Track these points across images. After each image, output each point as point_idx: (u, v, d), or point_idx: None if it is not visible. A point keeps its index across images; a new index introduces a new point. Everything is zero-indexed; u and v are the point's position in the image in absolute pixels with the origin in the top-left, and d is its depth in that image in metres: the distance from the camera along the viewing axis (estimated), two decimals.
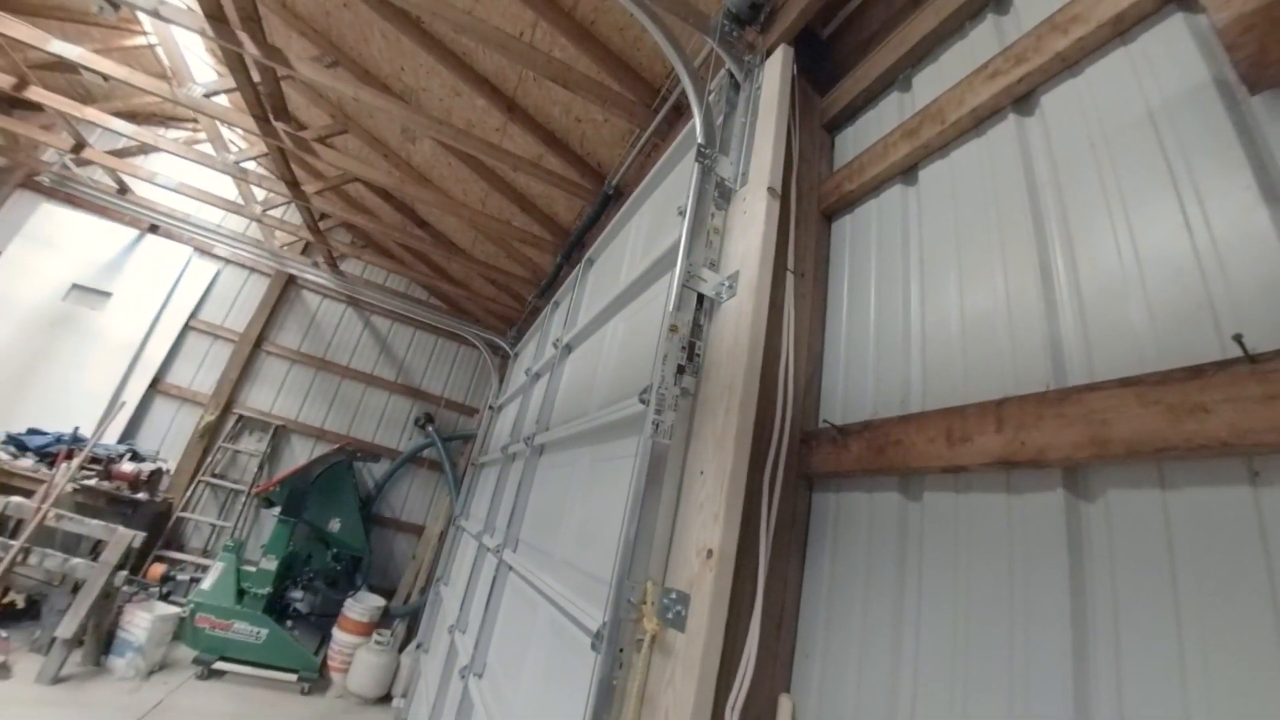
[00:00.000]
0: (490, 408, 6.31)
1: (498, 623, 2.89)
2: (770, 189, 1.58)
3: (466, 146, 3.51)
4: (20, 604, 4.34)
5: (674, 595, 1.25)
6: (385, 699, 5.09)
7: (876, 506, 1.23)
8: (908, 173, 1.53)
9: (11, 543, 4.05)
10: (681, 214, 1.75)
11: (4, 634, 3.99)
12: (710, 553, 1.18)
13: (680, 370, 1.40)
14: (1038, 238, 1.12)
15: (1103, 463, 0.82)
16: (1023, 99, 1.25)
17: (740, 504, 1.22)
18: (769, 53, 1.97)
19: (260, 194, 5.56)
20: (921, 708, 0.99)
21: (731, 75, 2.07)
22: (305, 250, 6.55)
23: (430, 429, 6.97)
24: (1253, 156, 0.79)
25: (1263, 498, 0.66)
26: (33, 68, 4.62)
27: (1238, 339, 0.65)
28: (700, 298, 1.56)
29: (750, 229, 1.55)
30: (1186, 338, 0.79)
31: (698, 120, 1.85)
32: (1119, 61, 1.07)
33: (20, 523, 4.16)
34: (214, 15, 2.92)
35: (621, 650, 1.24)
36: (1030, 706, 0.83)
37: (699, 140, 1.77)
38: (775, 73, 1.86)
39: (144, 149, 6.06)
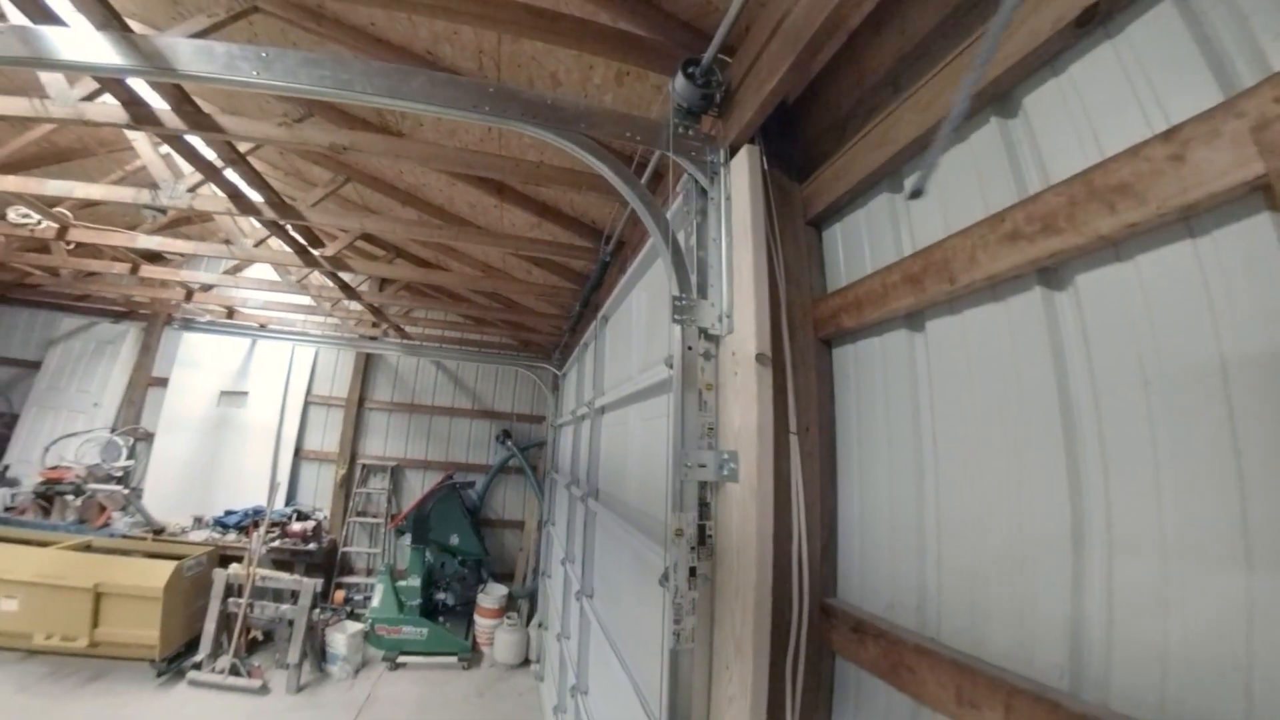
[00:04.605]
0: (551, 426, 6.47)
1: (590, 658, 3.07)
2: (759, 356, 1.32)
3: (472, 240, 3.34)
4: (261, 637, 5.25)
5: None
6: (525, 663, 5.76)
7: (893, 705, 1.09)
8: (912, 317, 1.22)
9: (240, 600, 4.87)
10: (669, 365, 1.55)
11: (257, 663, 4.86)
12: None
13: (693, 572, 1.27)
14: (1068, 453, 0.84)
15: None
16: (1050, 270, 0.91)
17: (764, 714, 1.12)
18: (733, 150, 1.62)
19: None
20: None
21: (696, 181, 1.73)
22: (375, 324, 6.77)
23: (509, 443, 7.30)
24: None
25: None
26: (135, 252, 4.91)
27: None
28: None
29: (745, 402, 1.32)
30: (1211, 697, 0.56)
31: (667, 265, 1.57)
32: (1183, 261, 0.72)
33: (240, 586, 4.94)
34: (234, 195, 2.86)
35: None
36: None
37: (673, 293, 1.51)
38: (744, 181, 1.52)
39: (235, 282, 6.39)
